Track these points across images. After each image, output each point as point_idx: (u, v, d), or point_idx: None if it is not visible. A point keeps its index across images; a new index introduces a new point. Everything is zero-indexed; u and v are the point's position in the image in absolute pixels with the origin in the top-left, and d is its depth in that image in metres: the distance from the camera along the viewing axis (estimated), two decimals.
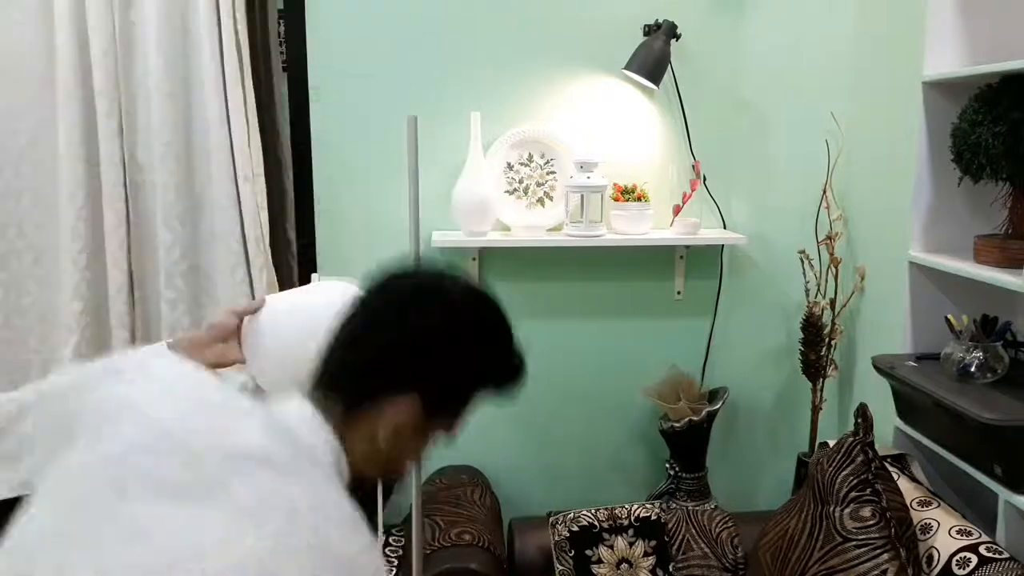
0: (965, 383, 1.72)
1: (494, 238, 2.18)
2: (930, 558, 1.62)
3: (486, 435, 2.36)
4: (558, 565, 2.02)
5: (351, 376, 0.94)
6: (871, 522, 1.65)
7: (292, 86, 2.18)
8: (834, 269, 2.23)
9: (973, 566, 1.52)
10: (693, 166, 2.27)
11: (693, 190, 2.25)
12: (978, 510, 1.79)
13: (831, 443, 1.88)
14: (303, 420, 0.91)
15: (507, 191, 2.24)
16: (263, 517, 0.76)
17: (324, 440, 0.91)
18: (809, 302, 2.23)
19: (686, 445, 2.22)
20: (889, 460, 1.87)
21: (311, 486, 0.82)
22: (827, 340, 2.23)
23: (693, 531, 2.07)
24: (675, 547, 2.05)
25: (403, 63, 2.18)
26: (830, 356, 2.25)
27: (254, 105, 2.09)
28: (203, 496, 0.76)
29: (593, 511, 2.10)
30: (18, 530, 0.80)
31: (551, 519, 2.10)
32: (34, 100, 2.04)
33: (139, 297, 2.13)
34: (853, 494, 1.70)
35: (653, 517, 2.09)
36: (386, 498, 2.24)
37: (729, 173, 2.30)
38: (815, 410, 2.29)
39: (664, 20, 2.15)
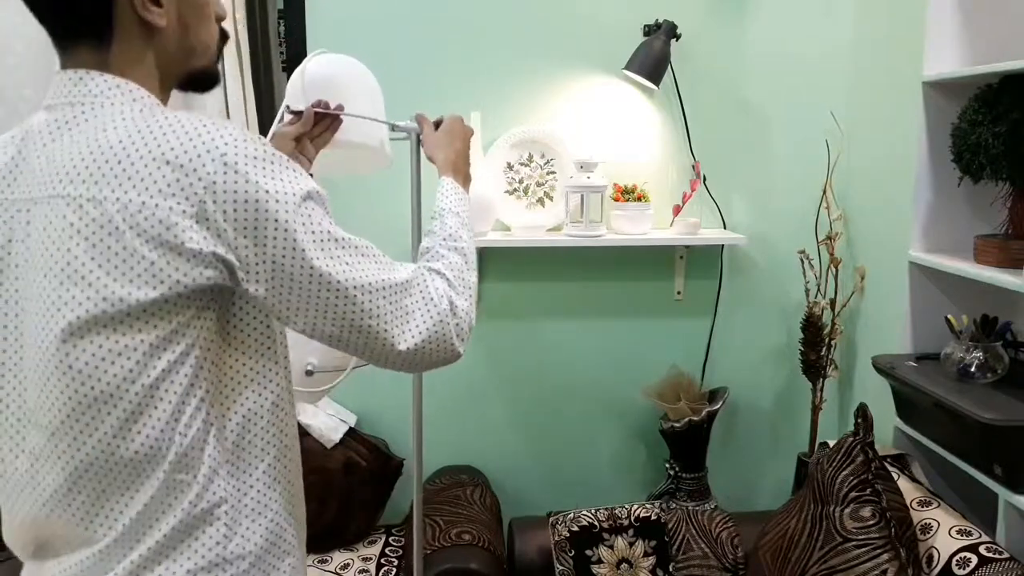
0: (965, 383, 1.72)
1: (494, 238, 2.18)
2: (930, 558, 1.62)
3: (486, 435, 2.36)
4: (558, 565, 2.02)
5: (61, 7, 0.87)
6: (871, 522, 1.65)
7: None
8: (834, 269, 2.23)
9: (973, 566, 1.52)
10: (693, 166, 2.27)
11: (693, 190, 2.25)
12: (978, 510, 1.79)
13: (831, 443, 1.88)
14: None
15: (507, 191, 2.24)
16: None
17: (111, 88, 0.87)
18: (809, 302, 2.24)
19: (686, 445, 2.22)
20: (889, 460, 1.87)
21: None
22: (827, 340, 2.23)
23: (693, 531, 2.07)
24: (675, 547, 2.05)
25: (403, 63, 2.18)
26: (830, 356, 2.24)
27: (254, 105, 2.09)
28: None
29: (593, 511, 2.10)
30: None
31: (551, 519, 2.10)
32: (36, 100, 2.04)
33: None
34: (853, 494, 1.70)
35: (653, 517, 2.09)
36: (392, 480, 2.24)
37: (729, 173, 2.30)
38: (815, 410, 2.29)
39: (664, 20, 2.15)
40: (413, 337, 0.95)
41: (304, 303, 0.88)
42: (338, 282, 0.89)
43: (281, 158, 0.87)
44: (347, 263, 0.90)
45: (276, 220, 0.84)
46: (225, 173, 0.82)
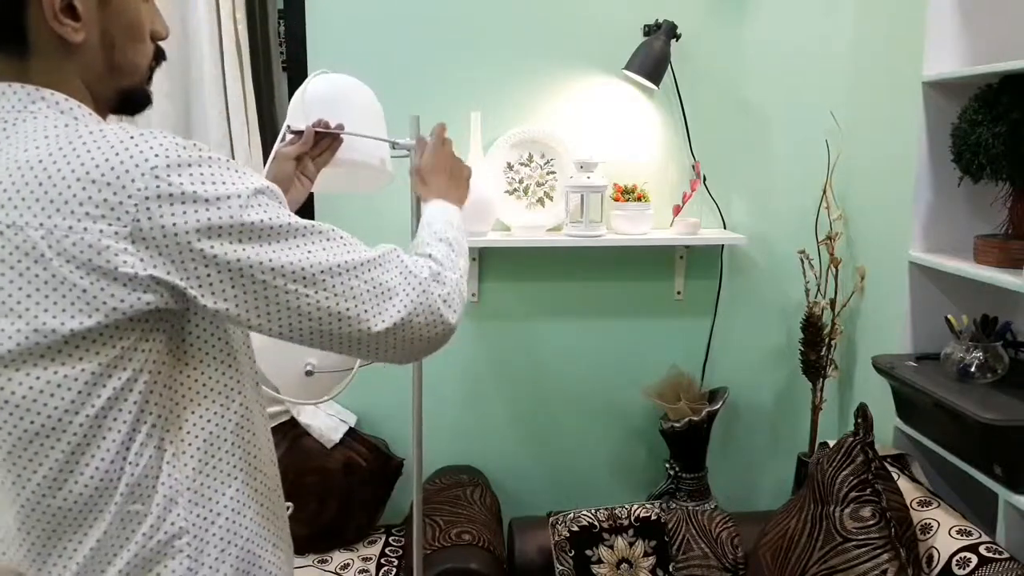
0: (965, 383, 1.72)
1: (494, 238, 2.18)
2: (930, 558, 1.62)
3: (486, 435, 2.36)
4: (558, 565, 2.02)
5: None
6: (871, 522, 1.65)
7: (292, 85, 2.18)
8: (834, 269, 2.23)
9: (973, 566, 1.52)
10: (693, 166, 2.27)
11: (693, 190, 2.25)
12: (978, 510, 1.79)
13: (831, 443, 1.88)
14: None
15: (507, 191, 2.24)
16: None
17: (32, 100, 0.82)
18: (809, 302, 2.24)
19: (686, 445, 2.22)
20: (889, 460, 1.87)
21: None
22: (827, 340, 2.23)
23: (693, 531, 2.07)
24: (675, 547, 2.05)
25: (403, 63, 2.18)
26: (830, 356, 2.24)
27: (254, 105, 2.09)
28: None
29: (593, 511, 2.10)
30: None
31: (551, 519, 2.10)
32: None
33: None
34: (853, 494, 1.70)
35: (653, 517, 2.09)
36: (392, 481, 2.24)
37: (729, 173, 2.30)
38: (815, 410, 2.29)
39: (664, 20, 2.15)
40: (399, 311, 0.90)
41: (275, 304, 0.84)
42: (303, 269, 0.84)
43: (219, 160, 0.81)
44: (310, 250, 0.85)
45: (221, 227, 0.79)
46: (158, 186, 0.76)
